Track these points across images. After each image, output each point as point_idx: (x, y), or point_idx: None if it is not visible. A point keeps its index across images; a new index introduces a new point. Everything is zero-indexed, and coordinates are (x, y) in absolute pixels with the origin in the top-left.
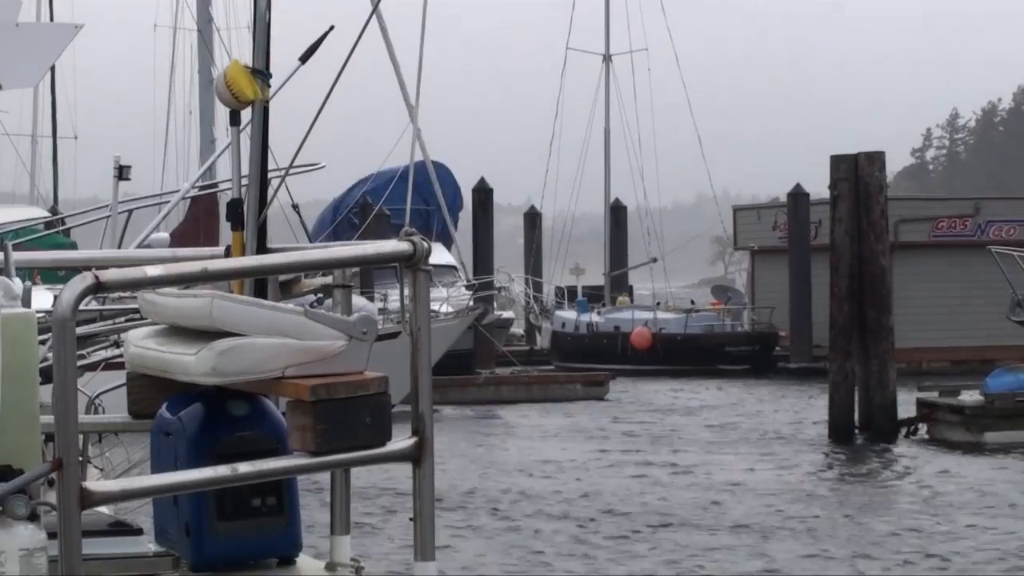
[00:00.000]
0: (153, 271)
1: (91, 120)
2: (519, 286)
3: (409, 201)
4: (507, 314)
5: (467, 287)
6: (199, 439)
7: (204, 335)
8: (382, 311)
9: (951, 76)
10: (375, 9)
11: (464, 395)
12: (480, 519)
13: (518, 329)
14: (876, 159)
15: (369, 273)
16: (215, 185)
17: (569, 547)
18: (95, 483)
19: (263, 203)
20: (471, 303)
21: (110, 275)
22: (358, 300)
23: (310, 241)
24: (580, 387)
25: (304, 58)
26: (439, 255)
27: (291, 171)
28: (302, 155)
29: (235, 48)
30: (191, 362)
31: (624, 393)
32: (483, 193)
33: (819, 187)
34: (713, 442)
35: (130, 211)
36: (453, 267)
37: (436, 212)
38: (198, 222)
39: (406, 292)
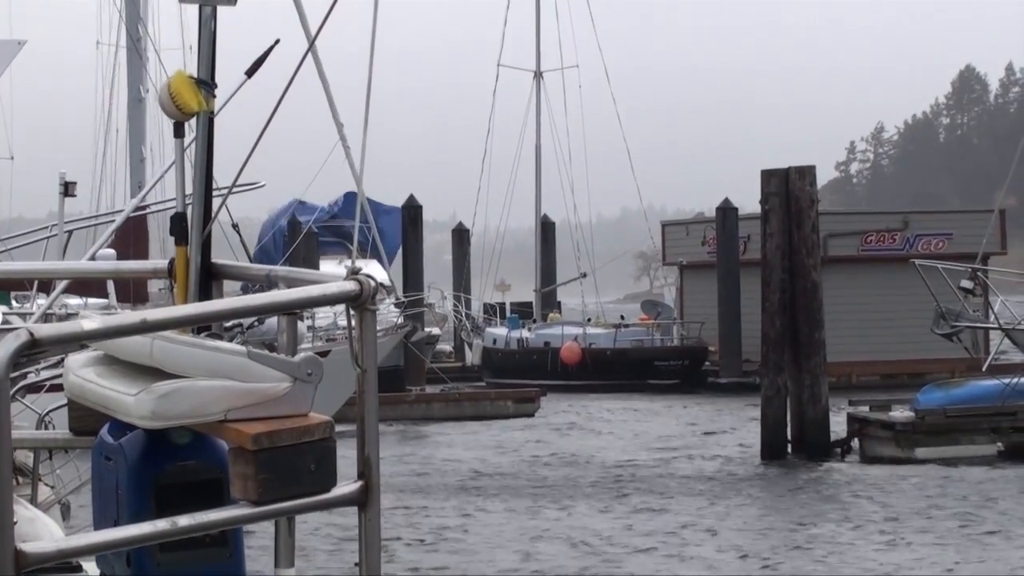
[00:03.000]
0: (89, 325)
1: (26, 140)
2: (450, 303)
3: (357, 222)
4: (434, 331)
5: (396, 304)
6: (141, 468)
7: (146, 368)
8: (310, 328)
9: (873, 89)
10: (311, 45)
11: (394, 412)
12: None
13: (446, 346)
14: (807, 173)
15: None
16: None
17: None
18: (31, 544)
19: (207, 217)
20: (400, 320)
21: (46, 331)
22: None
23: (251, 260)
24: (511, 404)
25: (250, 72)
26: (373, 271)
27: (231, 190)
28: (241, 175)
29: (168, 68)
30: (130, 403)
31: (555, 414)
32: (412, 210)
33: (744, 201)
34: (641, 461)
35: (70, 232)
36: (381, 284)
37: (367, 230)
38: (127, 243)
39: (353, 332)
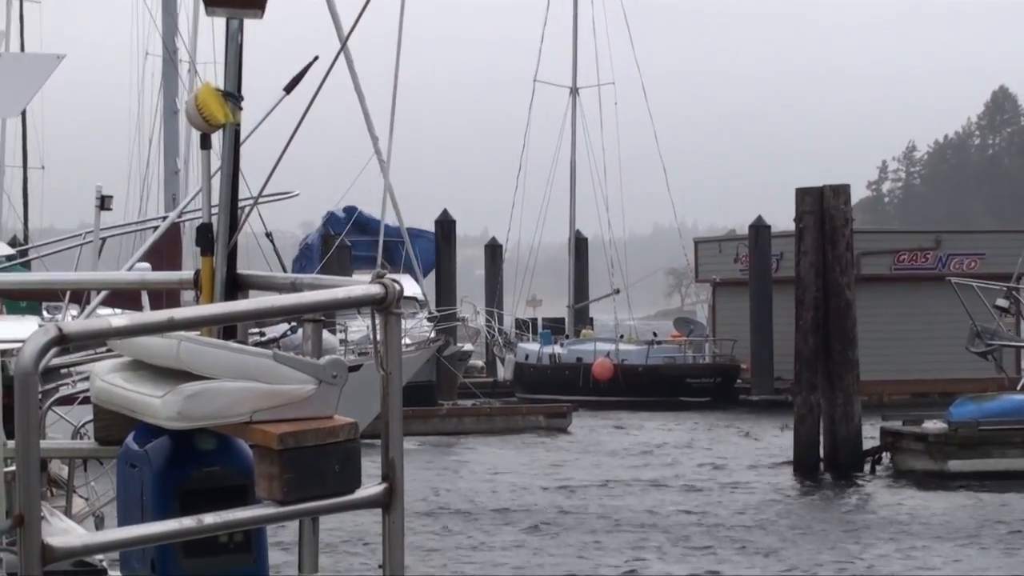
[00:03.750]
0: (117, 322)
1: (60, 150)
2: (482, 318)
3: (382, 235)
4: (467, 346)
5: (428, 319)
6: (166, 474)
7: (172, 373)
8: (343, 343)
9: (905, 106)
10: (342, 47)
11: (426, 426)
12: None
13: (478, 361)
14: (841, 192)
15: None
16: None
17: None
18: (58, 539)
19: (233, 228)
20: (432, 335)
21: (74, 327)
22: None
23: (285, 270)
24: (543, 419)
25: (289, 88)
26: (407, 286)
27: (264, 199)
28: (273, 182)
29: (200, 80)
30: (157, 405)
31: (587, 430)
32: (446, 225)
33: (776, 217)
34: (676, 477)
35: (103, 240)
36: (414, 298)
37: (401, 243)
38: (161, 253)
39: (377, 335)
